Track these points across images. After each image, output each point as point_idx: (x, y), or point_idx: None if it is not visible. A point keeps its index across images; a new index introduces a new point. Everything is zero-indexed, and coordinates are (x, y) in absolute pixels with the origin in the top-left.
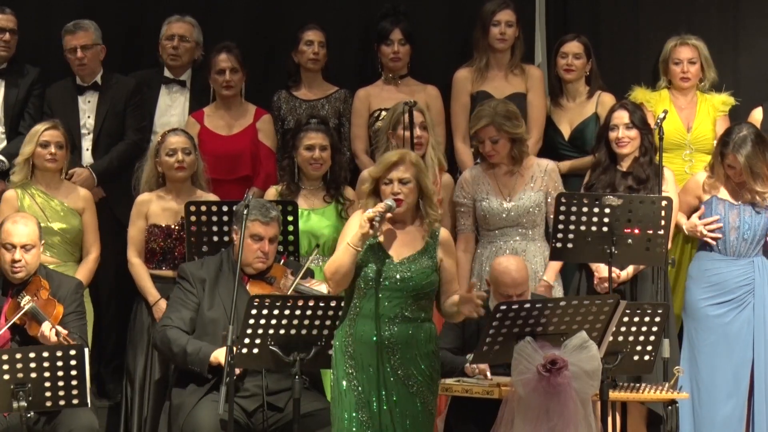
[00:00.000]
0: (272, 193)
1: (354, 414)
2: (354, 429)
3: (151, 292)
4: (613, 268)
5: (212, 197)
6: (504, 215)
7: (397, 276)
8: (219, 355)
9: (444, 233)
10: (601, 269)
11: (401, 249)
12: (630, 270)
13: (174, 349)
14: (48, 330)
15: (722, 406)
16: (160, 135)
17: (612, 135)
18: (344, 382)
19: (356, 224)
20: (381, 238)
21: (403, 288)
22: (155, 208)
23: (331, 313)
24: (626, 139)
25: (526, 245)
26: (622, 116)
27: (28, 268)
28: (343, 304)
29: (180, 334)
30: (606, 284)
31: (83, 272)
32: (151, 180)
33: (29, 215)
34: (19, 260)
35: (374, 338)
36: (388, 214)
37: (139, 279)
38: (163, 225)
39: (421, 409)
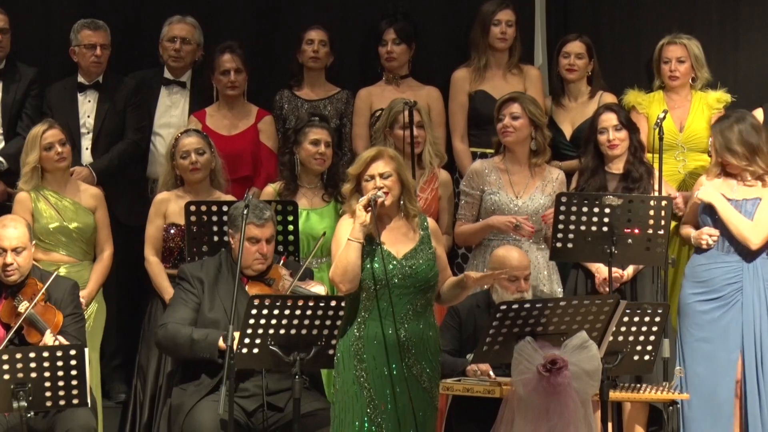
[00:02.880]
0: (269, 191)
1: (366, 419)
2: None
3: (168, 290)
4: (616, 268)
5: (230, 198)
6: (514, 211)
7: (404, 272)
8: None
9: (431, 222)
10: (602, 270)
11: (399, 245)
12: (630, 270)
13: (179, 341)
14: (51, 341)
15: (713, 403)
16: (174, 137)
17: (602, 138)
18: (354, 387)
19: (346, 230)
20: (372, 228)
21: (411, 284)
22: (174, 207)
23: (331, 313)
24: (617, 140)
25: (529, 247)
26: (610, 118)
27: (21, 271)
28: (343, 306)
29: (181, 326)
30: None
31: (100, 270)
32: (168, 182)
33: (18, 217)
34: (11, 263)
35: (388, 337)
36: (379, 200)
37: (155, 277)
38: (182, 224)
39: (430, 403)
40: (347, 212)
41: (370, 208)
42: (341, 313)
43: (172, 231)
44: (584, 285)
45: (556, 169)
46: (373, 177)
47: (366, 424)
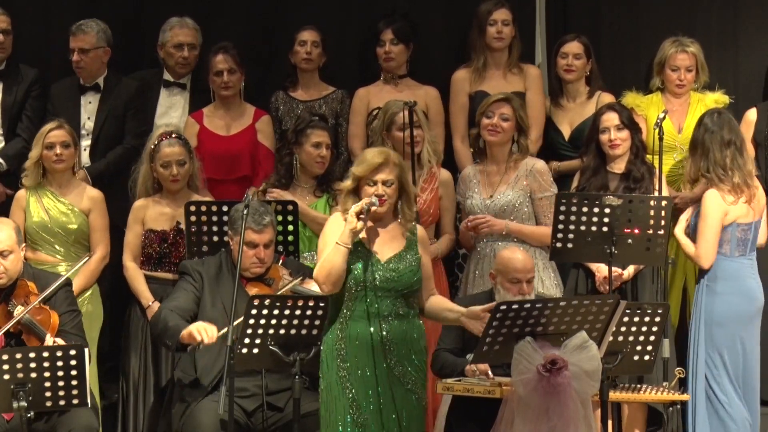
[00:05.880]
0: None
1: (348, 418)
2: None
3: (145, 295)
4: (616, 267)
5: (207, 199)
6: (484, 211)
7: (386, 275)
8: (191, 329)
9: (420, 230)
10: (602, 269)
11: (385, 248)
12: (631, 269)
13: (159, 325)
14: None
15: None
16: (155, 138)
17: (603, 138)
18: (338, 387)
19: (335, 226)
20: (363, 235)
21: (392, 287)
22: (151, 213)
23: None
24: (618, 140)
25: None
26: (612, 118)
27: (9, 274)
28: (327, 308)
29: (172, 315)
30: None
31: (85, 271)
32: (147, 183)
33: (5, 220)
34: None
35: (370, 338)
36: (373, 209)
37: (133, 282)
38: (159, 230)
39: (416, 404)
40: (340, 210)
41: (362, 216)
42: (326, 317)
43: (151, 237)
44: (585, 284)
45: (534, 160)
46: (375, 183)
47: (349, 425)
